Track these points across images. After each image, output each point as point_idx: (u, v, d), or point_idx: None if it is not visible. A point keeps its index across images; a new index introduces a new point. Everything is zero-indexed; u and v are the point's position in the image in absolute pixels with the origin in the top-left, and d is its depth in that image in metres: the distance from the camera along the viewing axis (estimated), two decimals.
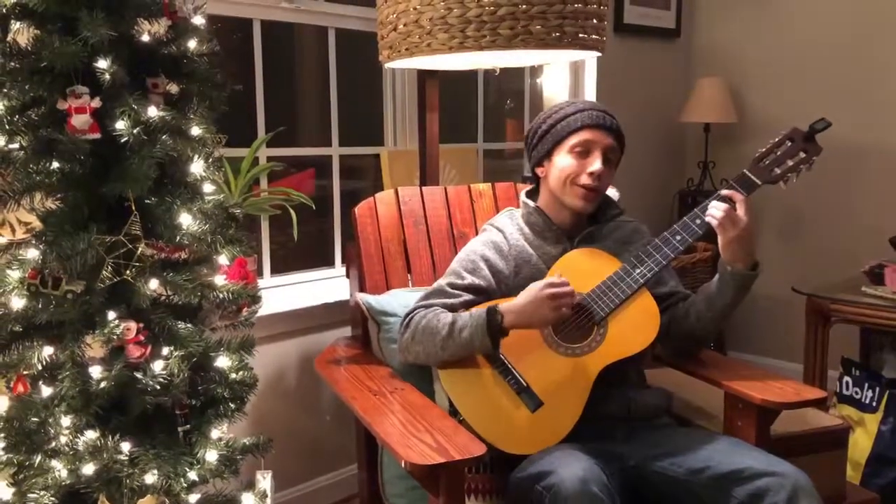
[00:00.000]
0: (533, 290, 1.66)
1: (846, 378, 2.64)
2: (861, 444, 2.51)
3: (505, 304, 1.68)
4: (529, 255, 1.82)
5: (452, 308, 1.76)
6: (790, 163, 1.75)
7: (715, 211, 1.68)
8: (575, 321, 1.73)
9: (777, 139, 1.78)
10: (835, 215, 3.49)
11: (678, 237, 1.75)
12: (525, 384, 1.67)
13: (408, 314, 1.78)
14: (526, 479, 1.52)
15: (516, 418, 1.65)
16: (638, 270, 1.73)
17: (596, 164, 1.76)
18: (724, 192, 1.72)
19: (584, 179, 1.76)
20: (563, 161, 1.79)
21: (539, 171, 1.87)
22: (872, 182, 3.38)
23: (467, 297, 1.78)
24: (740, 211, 1.68)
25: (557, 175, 1.80)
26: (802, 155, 1.75)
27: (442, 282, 1.82)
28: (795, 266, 3.51)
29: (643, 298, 1.73)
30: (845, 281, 2.83)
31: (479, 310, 1.69)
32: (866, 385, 2.58)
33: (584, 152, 1.77)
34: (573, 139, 1.78)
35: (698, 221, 1.73)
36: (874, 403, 2.54)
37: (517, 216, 1.89)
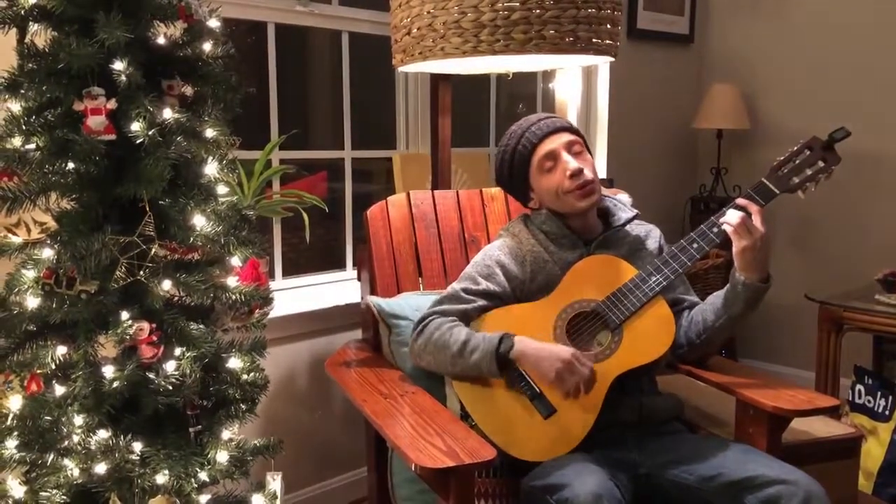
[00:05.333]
0: (558, 352, 1.65)
1: (859, 386, 2.62)
2: (873, 453, 2.49)
3: (521, 338, 1.68)
4: (545, 260, 1.81)
5: (467, 314, 1.76)
6: (809, 172, 1.73)
7: (730, 218, 1.68)
8: (590, 328, 1.73)
9: (795, 148, 1.76)
10: (848, 223, 3.47)
11: (695, 245, 1.74)
12: (538, 391, 1.66)
13: (422, 319, 1.78)
14: (539, 489, 1.51)
15: (529, 425, 1.65)
16: (654, 278, 1.73)
17: (569, 163, 1.77)
18: (741, 200, 1.71)
19: (569, 184, 1.77)
20: (542, 183, 1.81)
21: (532, 204, 1.88)
22: (886, 190, 3.36)
23: (482, 302, 1.78)
24: (756, 221, 1.67)
25: (547, 195, 1.82)
26: (821, 164, 1.73)
27: (457, 286, 1.82)
28: (808, 273, 3.49)
29: (658, 307, 1.73)
30: (858, 289, 2.82)
31: (492, 335, 1.69)
32: (879, 394, 2.56)
33: (552, 165, 1.79)
34: (535, 162, 1.80)
35: (715, 230, 1.73)
36: (887, 412, 2.52)
37: (533, 222, 1.88)
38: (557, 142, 1.79)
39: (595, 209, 1.85)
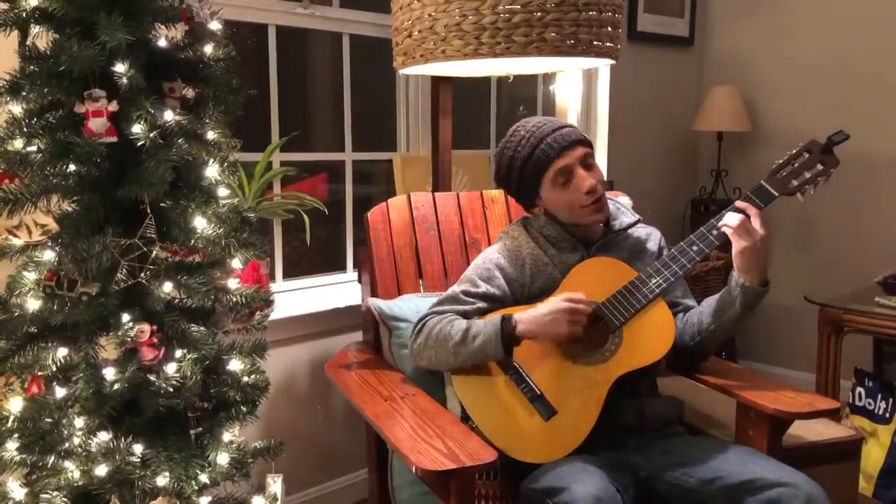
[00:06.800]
0: (552, 302, 1.66)
1: (859, 389, 2.62)
2: (874, 455, 2.49)
3: (520, 314, 1.68)
4: (545, 263, 1.81)
5: (466, 315, 1.76)
6: (808, 175, 1.74)
7: (730, 220, 1.68)
8: (590, 331, 1.73)
9: (795, 150, 1.76)
10: (848, 225, 3.47)
11: (695, 248, 1.74)
12: (539, 392, 1.66)
13: (420, 319, 1.78)
14: (538, 492, 1.51)
15: (529, 426, 1.65)
16: (654, 280, 1.73)
17: (585, 181, 1.75)
18: (740, 203, 1.71)
19: (585, 200, 1.76)
20: (554, 196, 1.79)
21: (536, 210, 1.86)
22: (886, 192, 3.37)
23: (481, 304, 1.78)
24: (755, 223, 1.67)
25: (558, 207, 1.81)
26: (820, 167, 1.74)
27: (456, 289, 1.82)
28: (808, 275, 3.50)
29: (658, 308, 1.73)
30: (858, 291, 2.82)
31: (494, 317, 1.69)
32: (879, 396, 2.56)
33: (566, 180, 1.77)
34: (549, 175, 1.77)
35: (715, 232, 1.73)
36: (887, 415, 2.52)
37: (532, 225, 1.88)
38: (573, 157, 1.76)
39: None
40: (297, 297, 2.54)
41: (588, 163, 1.78)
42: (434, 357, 1.74)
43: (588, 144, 1.81)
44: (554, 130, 1.79)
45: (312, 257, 2.85)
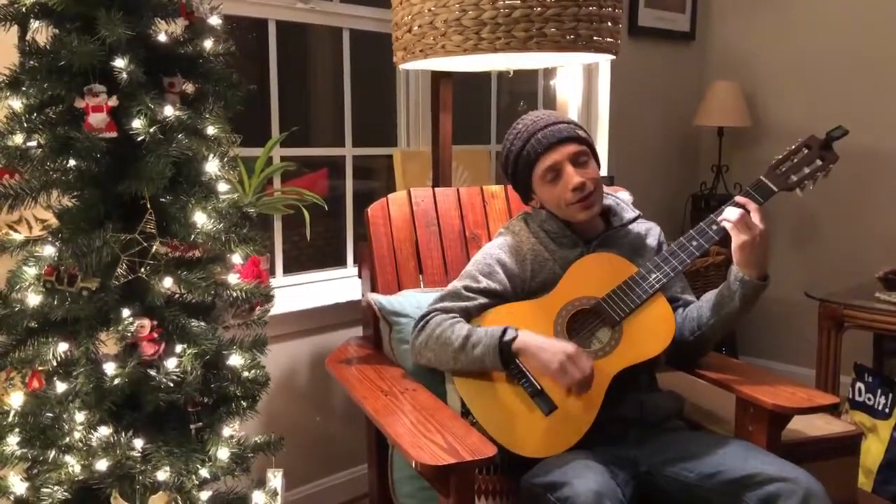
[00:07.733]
0: (562, 345, 1.64)
1: (859, 384, 2.62)
2: (873, 450, 2.49)
3: (524, 333, 1.67)
4: (546, 259, 1.82)
5: (468, 311, 1.77)
6: (807, 170, 1.74)
7: (730, 215, 1.68)
8: (590, 325, 1.73)
9: (794, 146, 1.77)
10: (849, 221, 3.47)
11: (694, 243, 1.75)
12: (539, 387, 1.66)
13: (423, 316, 1.78)
14: (539, 487, 1.51)
15: (529, 421, 1.65)
16: (654, 276, 1.73)
17: (572, 179, 1.74)
18: (740, 198, 1.72)
19: (570, 197, 1.76)
20: (544, 192, 1.80)
21: (534, 204, 1.88)
22: (887, 188, 3.36)
23: (482, 300, 1.78)
24: (755, 218, 1.67)
25: (549, 203, 1.82)
26: (819, 162, 1.74)
27: (457, 284, 1.81)
28: (809, 271, 3.50)
29: (658, 303, 1.73)
30: (859, 286, 2.82)
31: (495, 328, 1.68)
32: (879, 391, 2.56)
33: (555, 176, 1.77)
34: (538, 171, 1.78)
35: (714, 227, 1.73)
36: (887, 410, 2.52)
37: (533, 220, 1.88)
38: (562, 153, 1.76)
39: None
40: (298, 293, 2.54)
41: (579, 160, 1.77)
42: (434, 358, 1.74)
43: (583, 141, 1.79)
44: (546, 126, 1.78)
45: (312, 253, 2.85)
